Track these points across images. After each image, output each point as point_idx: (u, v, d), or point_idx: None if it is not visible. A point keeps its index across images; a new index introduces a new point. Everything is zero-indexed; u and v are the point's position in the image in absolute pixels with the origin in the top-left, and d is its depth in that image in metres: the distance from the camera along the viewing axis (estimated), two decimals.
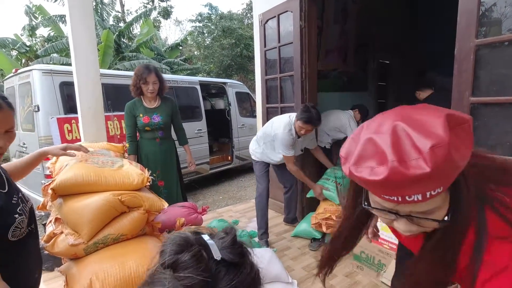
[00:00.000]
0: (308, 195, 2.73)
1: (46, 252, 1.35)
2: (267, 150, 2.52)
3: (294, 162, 2.39)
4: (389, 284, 1.87)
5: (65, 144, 1.35)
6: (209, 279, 0.45)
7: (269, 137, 2.46)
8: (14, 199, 0.91)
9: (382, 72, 4.77)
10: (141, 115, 2.39)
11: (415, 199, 0.50)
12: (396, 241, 1.93)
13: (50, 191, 1.33)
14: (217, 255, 0.47)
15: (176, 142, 2.67)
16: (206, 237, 0.51)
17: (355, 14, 4.01)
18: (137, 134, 2.50)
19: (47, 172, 2.86)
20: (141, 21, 9.53)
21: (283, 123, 2.36)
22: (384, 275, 1.91)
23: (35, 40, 9.34)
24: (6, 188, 0.91)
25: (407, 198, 0.50)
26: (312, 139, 2.64)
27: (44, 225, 1.83)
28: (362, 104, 3.25)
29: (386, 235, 1.98)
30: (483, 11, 1.61)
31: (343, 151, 0.57)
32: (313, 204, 2.89)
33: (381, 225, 2.01)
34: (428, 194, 0.49)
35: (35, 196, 3.34)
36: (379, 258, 2.01)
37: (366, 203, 0.65)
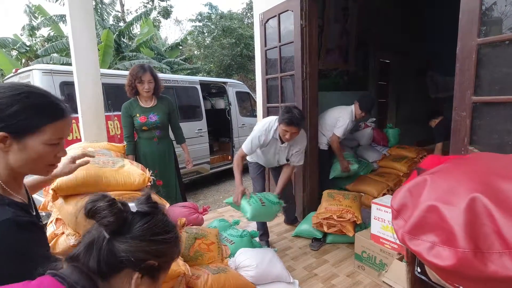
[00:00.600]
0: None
1: None
2: (258, 152, 2.47)
3: (242, 157, 2.32)
4: (391, 284, 1.87)
5: (69, 157, 1.24)
6: (123, 223, 0.61)
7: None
8: (40, 221, 0.87)
9: (382, 72, 4.76)
10: (137, 115, 2.39)
11: None
12: (397, 241, 1.93)
13: (51, 192, 1.32)
14: (133, 209, 0.64)
15: (175, 142, 2.66)
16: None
17: (355, 13, 4.00)
18: (135, 134, 2.49)
19: None
20: (141, 20, 9.52)
21: (264, 122, 2.26)
22: (385, 275, 1.90)
23: (35, 40, 9.33)
24: (34, 211, 0.87)
25: None
26: (300, 156, 2.35)
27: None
28: (363, 96, 3.05)
29: (387, 235, 1.98)
30: (485, 9, 1.60)
31: (395, 202, 0.45)
32: (314, 204, 2.88)
33: (382, 224, 2.01)
34: None
35: (36, 196, 3.33)
36: (381, 258, 2.00)
37: (419, 271, 0.50)
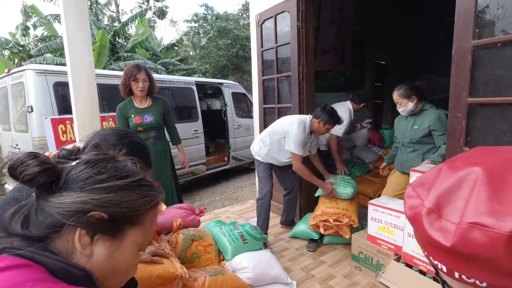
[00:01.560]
0: (316, 194, 2.62)
1: None
2: (273, 150, 2.47)
3: (302, 161, 2.37)
4: (388, 284, 1.87)
5: (152, 248, 1.31)
6: (57, 175, 0.51)
7: (278, 135, 2.42)
8: None
9: (378, 73, 4.79)
10: (132, 116, 2.37)
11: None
12: (394, 242, 1.94)
13: None
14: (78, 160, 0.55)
15: (171, 143, 2.65)
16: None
17: (351, 15, 4.02)
18: None
19: None
20: (137, 21, 9.46)
21: (297, 121, 2.36)
22: (382, 276, 1.90)
23: (29, 40, 9.22)
24: None
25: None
26: (315, 144, 2.63)
27: None
28: (354, 94, 3.20)
29: (384, 235, 1.98)
30: (480, 11, 1.62)
31: (415, 182, 0.43)
32: (310, 205, 2.88)
33: (379, 225, 2.01)
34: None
35: None
36: (378, 258, 2.01)
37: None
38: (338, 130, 2.94)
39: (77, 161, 0.54)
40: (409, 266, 1.82)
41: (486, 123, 1.68)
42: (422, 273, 1.76)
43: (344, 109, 3.04)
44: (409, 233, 1.82)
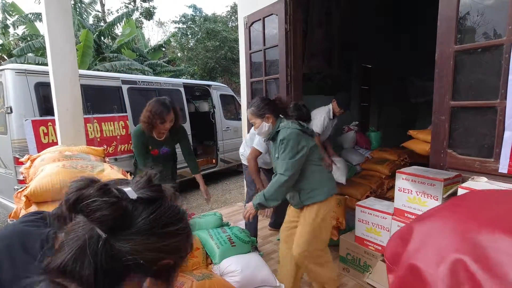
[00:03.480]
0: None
1: None
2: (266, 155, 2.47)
3: (256, 157, 2.40)
4: (375, 285, 1.89)
5: None
6: (123, 215, 0.45)
7: (254, 135, 2.43)
8: None
9: (365, 76, 4.88)
10: (150, 147, 2.28)
11: None
12: (381, 242, 1.96)
13: (23, 198, 1.24)
14: (132, 195, 0.47)
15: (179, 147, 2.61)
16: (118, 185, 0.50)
17: (339, 18, 4.08)
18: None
19: (21, 177, 2.70)
20: (123, 21, 9.30)
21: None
22: (369, 277, 1.92)
23: (9, 39, 8.90)
24: None
25: None
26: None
27: None
28: (339, 94, 3.08)
29: (371, 236, 2.01)
30: (461, 18, 1.67)
31: (387, 252, 0.42)
32: None
33: (366, 226, 2.04)
34: None
35: (7, 203, 3.15)
36: (365, 259, 2.03)
37: None
38: (315, 126, 2.88)
39: (136, 195, 0.49)
40: None
41: (469, 125, 1.73)
42: None
43: (321, 109, 3.00)
44: None
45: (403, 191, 1.79)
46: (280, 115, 1.77)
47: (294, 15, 2.75)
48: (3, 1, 8.69)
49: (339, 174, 3.03)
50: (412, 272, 0.37)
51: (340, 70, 4.35)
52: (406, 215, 1.80)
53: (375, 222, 1.97)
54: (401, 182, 1.81)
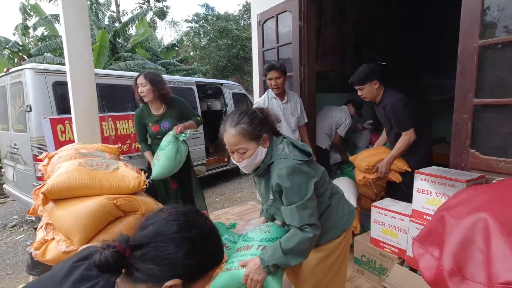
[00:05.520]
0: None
1: (36, 259, 1.29)
2: None
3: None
4: None
5: None
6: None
7: None
8: None
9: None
10: (150, 124, 2.38)
11: None
12: (398, 245, 1.90)
13: (41, 195, 1.27)
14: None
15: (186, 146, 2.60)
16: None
17: (352, 15, 3.99)
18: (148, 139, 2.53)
19: (39, 174, 2.77)
20: (137, 21, 9.44)
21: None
22: (386, 280, 1.87)
23: (28, 39, 9.19)
24: None
25: None
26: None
27: (36, 229, 1.76)
28: (354, 99, 3.25)
29: (387, 238, 1.95)
30: (486, 10, 1.59)
31: (419, 236, 0.42)
32: None
33: (382, 228, 1.98)
34: None
35: (27, 199, 3.25)
36: (381, 262, 1.97)
37: None
38: (342, 130, 3.12)
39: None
40: (413, 270, 1.79)
41: (492, 124, 1.65)
42: None
43: (345, 112, 3.20)
44: (413, 236, 1.79)
45: (422, 192, 1.72)
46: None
47: (308, 11, 2.70)
48: (25, 3, 8.98)
49: (349, 195, 2.86)
50: (440, 220, 0.42)
51: (354, 68, 4.25)
52: (425, 217, 1.71)
53: (392, 224, 1.91)
54: (420, 183, 1.72)
